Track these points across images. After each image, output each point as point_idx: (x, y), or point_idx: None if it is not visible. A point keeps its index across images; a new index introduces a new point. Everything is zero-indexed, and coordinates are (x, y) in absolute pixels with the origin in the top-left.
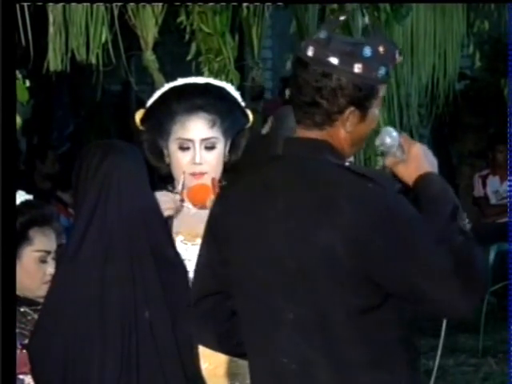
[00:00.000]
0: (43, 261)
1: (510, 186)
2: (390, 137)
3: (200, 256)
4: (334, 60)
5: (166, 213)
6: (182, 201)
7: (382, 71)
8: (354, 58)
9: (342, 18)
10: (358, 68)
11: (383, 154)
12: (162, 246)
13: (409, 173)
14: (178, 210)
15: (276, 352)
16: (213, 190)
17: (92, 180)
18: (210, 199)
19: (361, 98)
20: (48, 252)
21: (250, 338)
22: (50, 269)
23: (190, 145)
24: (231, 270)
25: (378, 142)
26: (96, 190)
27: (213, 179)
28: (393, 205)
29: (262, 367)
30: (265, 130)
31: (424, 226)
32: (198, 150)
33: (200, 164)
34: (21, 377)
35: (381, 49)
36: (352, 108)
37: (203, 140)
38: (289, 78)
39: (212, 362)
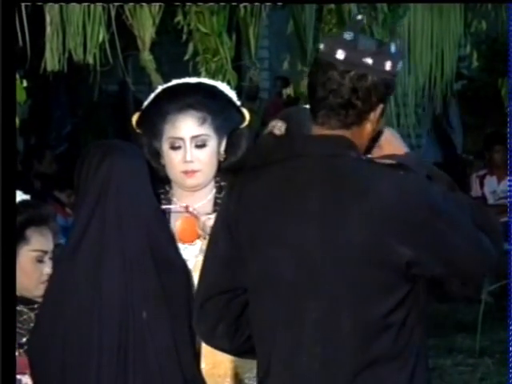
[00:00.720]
0: (40, 260)
1: (509, 185)
2: None
3: (211, 253)
4: (369, 60)
5: None
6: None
7: (400, 66)
8: (384, 56)
9: (359, 17)
10: (389, 66)
11: None
12: (161, 245)
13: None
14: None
15: (298, 350)
16: (196, 220)
17: (92, 181)
18: (197, 231)
19: (388, 94)
20: (45, 252)
21: (267, 335)
22: (47, 268)
23: (181, 143)
24: (252, 268)
25: None
26: (95, 190)
27: (187, 206)
28: (427, 185)
29: (281, 364)
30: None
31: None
32: (188, 148)
33: (191, 162)
34: (18, 377)
35: (398, 43)
36: (382, 105)
37: (193, 138)
38: (310, 81)
39: (209, 363)
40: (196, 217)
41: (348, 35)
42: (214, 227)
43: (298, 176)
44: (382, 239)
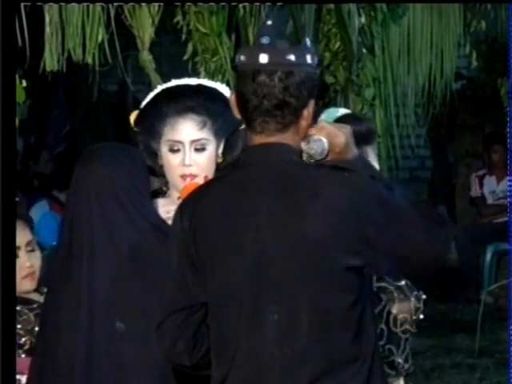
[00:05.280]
0: None
1: (509, 185)
2: (320, 146)
3: (167, 272)
4: (291, 57)
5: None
6: None
7: (316, 59)
8: (303, 51)
9: (269, 22)
10: (309, 59)
11: (311, 157)
12: (146, 247)
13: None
14: None
15: (259, 352)
16: None
17: (75, 189)
18: None
19: (315, 88)
20: (17, 247)
21: (230, 343)
22: (25, 262)
23: (180, 146)
24: (214, 280)
25: (306, 148)
26: (79, 198)
27: (205, 177)
28: (370, 183)
29: (242, 367)
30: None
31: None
32: (187, 152)
33: (190, 166)
34: (18, 377)
35: (308, 39)
36: (312, 101)
37: (193, 141)
38: (239, 94)
39: None
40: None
41: (265, 39)
42: (168, 246)
43: (247, 184)
44: (335, 238)
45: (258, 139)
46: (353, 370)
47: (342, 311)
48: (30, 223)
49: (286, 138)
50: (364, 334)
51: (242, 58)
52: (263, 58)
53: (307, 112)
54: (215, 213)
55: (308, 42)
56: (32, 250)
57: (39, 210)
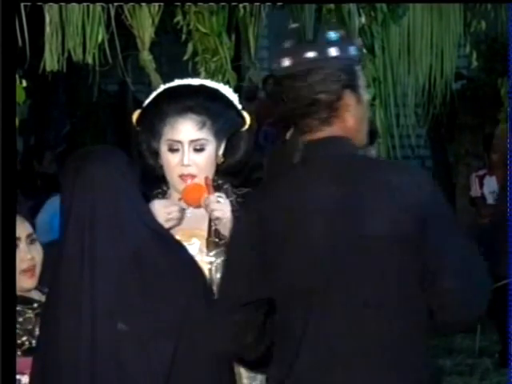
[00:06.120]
0: None
1: (510, 185)
2: None
3: (234, 264)
4: (311, 54)
5: (168, 224)
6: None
7: (353, 50)
8: (324, 46)
9: (294, 26)
10: (334, 52)
11: None
12: (147, 247)
13: None
14: (182, 219)
15: (329, 342)
16: (206, 188)
17: (73, 189)
18: (204, 198)
19: (350, 79)
20: (17, 238)
21: (296, 335)
22: (24, 254)
23: (179, 146)
24: (285, 271)
25: None
26: (79, 198)
27: (206, 178)
28: (432, 181)
29: (310, 359)
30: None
31: None
32: (186, 152)
33: (188, 165)
34: (18, 377)
35: (342, 31)
36: (348, 91)
37: (192, 141)
38: (270, 102)
39: None
40: (207, 188)
41: (287, 43)
42: (232, 242)
43: (310, 178)
44: (398, 228)
45: (310, 136)
46: (417, 362)
47: (406, 301)
48: (29, 220)
49: (336, 131)
50: (423, 325)
51: (273, 64)
52: (285, 62)
53: (344, 103)
54: (282, 206)
55: (332, 34)
56: (32, 243)
57: (52, 207)
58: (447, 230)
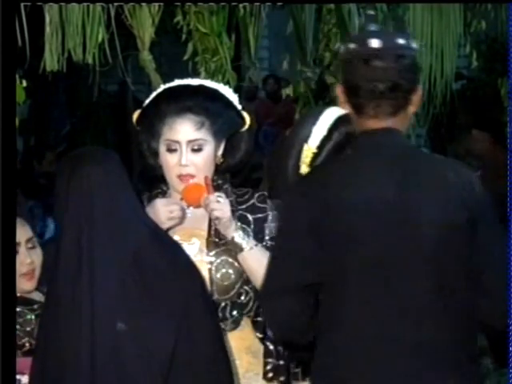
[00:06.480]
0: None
1: (509, 185)
2: None
3: (288, 250)
4: (401, 41)
5: (169, 223)
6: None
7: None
8: (408, 36)
9: (371, 12)
10: (414, 44)
11: None
12: (146, 246)
13: None
14: (184, 218)
15: (380, 326)
16: (206, 188)
17: (69, 190)
18: (204, 198)
19: (419, 74)
20: (17, 243)
21: (348, 317)
22: (24, 258)
23: (177, 146)
24: (348, 256)
25: None
26: (77, 199)
27: (206, 178)
28: (480, 182)
29: (359, 340)
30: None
31: None
32: (184, 152)
33: (186, 166)
34: (18, 377)
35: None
36: (419, 86)
37: (190, 142)
38: (349, 80)
39: None
40: (207, 188)
41: (373, 27)
42: (287, 227)
43: (365, 169)
44: (456, 219)
45: (371, 124)
46: (468, 355)
47: (457, 291)
48: (29, 222)
49: (397, 123)
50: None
51: (352, 45)
52: (376, 43)
53: (416, 97)
54: (339, 194)
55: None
56: (32, 247)
57: None
58: (494, 231)
